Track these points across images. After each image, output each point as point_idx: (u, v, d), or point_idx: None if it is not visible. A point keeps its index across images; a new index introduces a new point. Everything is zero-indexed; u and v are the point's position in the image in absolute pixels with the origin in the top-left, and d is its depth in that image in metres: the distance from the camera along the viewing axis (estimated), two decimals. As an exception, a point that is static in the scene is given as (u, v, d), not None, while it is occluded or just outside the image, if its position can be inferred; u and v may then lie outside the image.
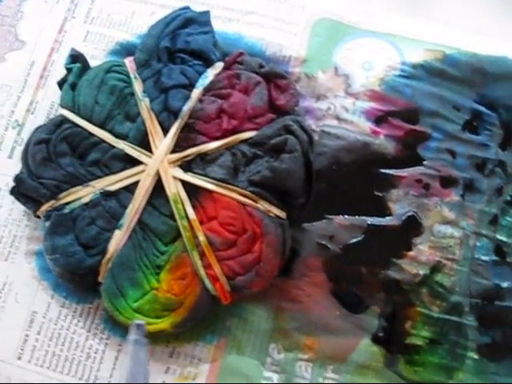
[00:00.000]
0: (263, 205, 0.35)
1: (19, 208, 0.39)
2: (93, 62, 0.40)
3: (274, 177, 0.35)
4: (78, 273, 0.35)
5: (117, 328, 0.37)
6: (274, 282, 0.37)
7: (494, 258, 0.38)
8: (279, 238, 0.35)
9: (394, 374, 0.36)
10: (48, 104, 0.41)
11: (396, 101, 0.40)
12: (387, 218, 0.38)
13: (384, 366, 0.36)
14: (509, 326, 0.37)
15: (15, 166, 0.39)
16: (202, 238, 0.35)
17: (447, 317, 0.37)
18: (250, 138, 0.36)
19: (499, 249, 0.38)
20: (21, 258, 0.38)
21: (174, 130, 0.36)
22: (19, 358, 0.37)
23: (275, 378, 0.36)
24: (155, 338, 0.36)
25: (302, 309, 0.37)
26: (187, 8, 0.39)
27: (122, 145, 0.36)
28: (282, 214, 0.36)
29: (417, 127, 0.39)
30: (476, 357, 0.36)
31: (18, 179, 0.36)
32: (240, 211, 0.35)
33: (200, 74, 0.37)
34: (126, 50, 0.41)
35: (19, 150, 0.39)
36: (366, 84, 0.40)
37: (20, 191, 0.37)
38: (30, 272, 0.38)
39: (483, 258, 0.38)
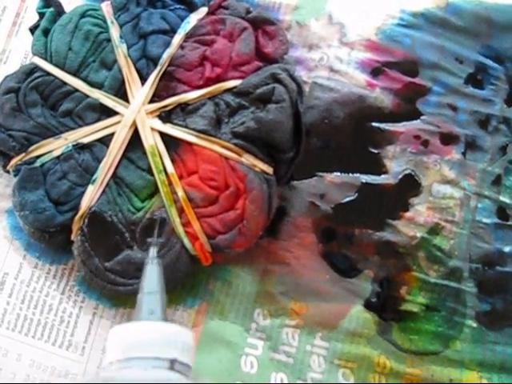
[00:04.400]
0: (248, 159, 0.33)
1: (-11, 163, 0.37)
2: (70, 8, 0.37)
3: (259, 128, 0.33)
4: (48, 231, 0.33)
5: (92, 290, 0.35)
6: (261, 243, 0.35)
7: (496, 220, 0.36)
8: (264, 195, 0.33)
9: (388, 343, 0.34)
10: (21, 53, 0.38)
11: (394, 51, 0.37)
12: (383, 176, 0.36)
13: (377, 334, 0.34)
14: (510, 292, 0.35)
15: (-14, 119, 0.36)
16: (180, 193, 0.32)
17: (445, 282, 0.35)
18: (235, 87, 0.34)
19: (502, 211, 0.36)
20: (-9, 217, 0.36)
21: (152, 78, 0.34)
22: (-11, 322, 0.35)
23: (260, 344, 0.34)
24: (132, 300, 0.34)
25: (290, 272, 0.35)
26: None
27: (96, 94, 0.34)
28: (269, 170, 0.33)
29: (416, 80, 0.37)
30: (474, 325, 0.34)
31: (-16, 131, 0.34)
32: (222, 165, 0.33)
33: (182, 19, 0.35)
34: (105, -5, 0.38)
35: (-10, 101, 0.36)
36: (362, 33, 0.37)
37: (-12, 144, 0.34)
38: (1, 231, 0.36)
39: (485, 220, 0.35)
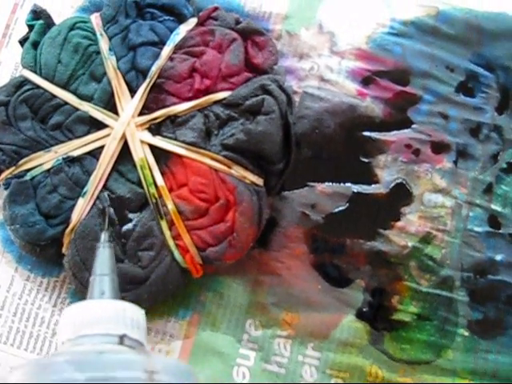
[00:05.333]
0: (237, 170, 0.33)
1: (-19, 176, 0.36)
2: (60, 20, 0.37)
3: (248, 140, 0.32)
4: (39, 244, 0.33)
5: (84, 303, 0.35)
6: (252, 254, 0.35)
7: (488, 229, 0.35)
8: (254, 207, 0.33)
9: (380, 352, 0.34)
10: (12, 65, 0.38)
11: (385, 60, 0.37)
12: (374, 185, 0.36)
13: (369, 344, 0.34)
14: (502, 301, 0.35)
15: (-23, 132, 0.36)
16: (170, 206, 0.32)
17: (437, 291, 0.35)
18: (224, 99, 0.33)
19: (493, 219, 0.36)
20: (-18, 229, 0.36)
21: (141, 90, 0.34)
22: (-18, 335, 0.35)
23: (252, 355, 0.34)
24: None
25: (282, 282, 0.35)
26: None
27: (86, 107, 0.34)
28: (259, 181, 0.33)
29: (407, 89, 0.37)
30: (466, 334, 0.34)
31: (-26, 144, 0.34)
32: (212, 177, 0.33)
33: (171, 30, 0.35)
34: (95, 6, 0.38)
35: (-19, 114, 0.36)
36: (353, 42, 0.37)
37: (-23, 157, 0.34)
38: (-8, 244, 0.36)
39: (476, 228, 0.35)
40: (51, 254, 0.34)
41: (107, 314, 0.26)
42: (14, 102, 0.34)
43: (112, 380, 0.23)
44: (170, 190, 0.33)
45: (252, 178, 0.33)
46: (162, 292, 0.32)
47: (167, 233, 0.32)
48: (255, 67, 0.34)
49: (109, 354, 0.24)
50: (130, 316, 0.26)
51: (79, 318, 0.26)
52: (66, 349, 0.26)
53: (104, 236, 0.30)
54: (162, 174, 0.33)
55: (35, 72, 0.35)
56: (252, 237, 0.33)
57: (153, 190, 0.33)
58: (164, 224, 0.32)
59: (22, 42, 0.36)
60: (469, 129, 0.37)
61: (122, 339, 0.26)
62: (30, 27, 0.36)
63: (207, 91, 0.34)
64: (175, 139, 0.33)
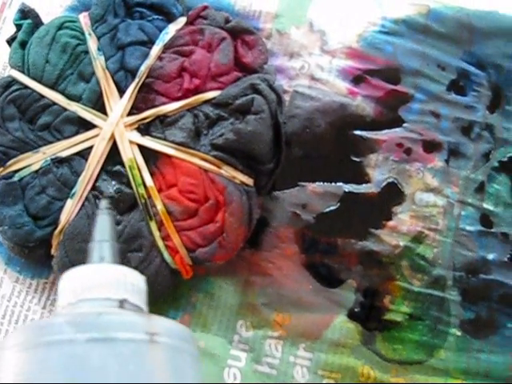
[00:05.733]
0: (227, 171, 0.33)
1: (-31, 177, 0.36)
2: (48, 19, 0.36)
3: (238, 140, 0.32)
4: (27, 246, 0.33)
5: (73, 304, 0.34)
6: (242, 255, 0.34)
7: (480, 228, 0.35)
8: (244, 207, 0.32)
9: (372, 352, 0.34)
10: (0, 65, 0.38)
11: (376, 59, 0.37)
12: (365, 184, 0.36)
13: (360, 344, 0.34)
14: (494, 300, 0.35)
15: (-35, 132, 0.36)
16: (160, 206, 0.32)
17: (429, 291, 0.34)
18: (214, 98, 0.33)
19: (485, 218, 0.35)
20: (-29, 231, 0.36)
21: (130, 90, 0.33)
22: (-29, 337, 0.34)
23: (243, 356, 0.34)
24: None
25: (272, 283, 0.35)
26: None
27: (74, 107, 0.34)
28: (249, 181, 0.33)
29: (398, 87, 0.36)
30: (459, 333, 0.34)
31: (-38, 145, 0.34)
32: (202, 178, 0.32)
33: (160, 29, 0.34)
34: (83, 6, 0.38)
35: (-31, 114, 0.36)
36: (344, 41, 0.37)
37: (-34, 158, 0.34)
38: (-19, 246, 0.36)
39: (468, 228, 0.35)
40: (40, 256, 0.33)
41: (107, 278, 0.26)
42: (1, 102, 0.34)
43: (113, 341, 0.22)
44: (160, 191, 0.33)
45: (242, 178, 0.33)
46: (151, 293, 0.32)
47: (156, 234, 0.32)
48: (245, 66, 0.34)
49: (108, 315, 0.24)
50: (131, 281, 0.26)
51: (79, 283, 0.25)
52: (68, 311, 0.25)
53: (104, 202, 0.29)
54: (151, 174, 0.33)
55: (23, 72, 0.34)
56: (242, 237, 0.33)
57: (142, 190, 0.32)
58: (153, 225, 0.32)
59: (10, 41, 0.36)
60: (460, 127, 0.36)
61: (122, 303, 0.25)
62: (18, 27, 0.35)
63: (196, 91, 0.33)
64: (164, 139, 0.33)
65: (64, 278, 0.26)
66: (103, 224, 0.28)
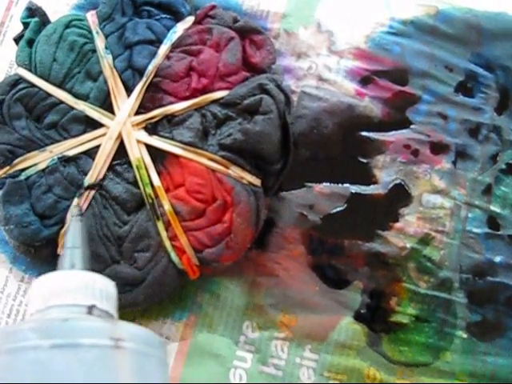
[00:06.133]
0: (235, 171, 0.32)
1: (-25, 175, 0.36)
2: (55, 18, 0.36)
3: (246, 140, 0.32)
4: (33, 245, 0.33)
5: (79, 304, 0.34)
6: (249, 255, 0.34)
7: (487, 230, 0.35)
8: (252, 208, 0.32)
9: (378, 354, 0.34)
10: (6, 63, 0.38)
11: (383, 60, 0.37)
12: (372, 186, 0.35)
13: (366, 346, 0.34)
14: (501, 303, 0.34)
15: (-29, 130, 0.36)
16: (167, 206, 0.32)
17: (435, 293, 0.34)
18: (222, 98, 0.33)
19: (492, 220, 0.35)
20: (-24, 229, 0.36)
21: (138, 89, 0.33)
22: (-24, 336, 0.34)
23: (249, 357, 0.34)
24: (119, 314, 0.34)
25: (279, 284, 0.34)
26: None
27: (82, 106, 0.33)
28: (257, 182, 0.33)
29: (406, 88, 0.36)
30: (465, 336, 0.34)
31: (-32, 143, 0.34)
32: (209, 178, 0.32)
33: (168, 28, 0.34)
34: (91, 4, 0.38)
35: (-25, 112, 0.36)
36: (351, 41, 0.37)
37: (-29, 156, 0.34)
38: (-14, 244, 0.36)
39: (475, 230, 0.35)
40: (46, 255, 0.33)
41: (76, 284, 0.26)
42: (8, 100, 0.33)
43: (77, 347, 0.22)
44: (167, 191, 0.32)
45: (249, 178, 0.33)
46: (158, 293, 0.32)
47: (164, 234, 0.32)
48: (253, 66, 0.34)
49: (74, 321, 0.24)
50: (100, 287, 0.26)
51: (48, 289, 0.26)
52: (34, 318, 0.26)
53: (75, 210, 0.30)
54: (159, 174, 0.33)
55: (30, 70, 0.34)
56: (249, 238, 0.33)
57: (149, 190, 0.32)
58: (160, 225, 0.32)
59: (17, 39, 0.35)
60: (468, 129, 0.36)
61: (90, 310, 0.25)
62: (25, 25, 0.35)
63: (204, 90, 0.33)
64: (172, 139, 0.33)
65: (33, 285, 0.26)
66: (74, 230, 0.29)
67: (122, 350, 0.23)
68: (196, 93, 0.33)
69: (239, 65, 0.34)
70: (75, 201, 0.32)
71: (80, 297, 0.25)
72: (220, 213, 0.32)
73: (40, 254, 0.33)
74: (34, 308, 0.26)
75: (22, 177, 0.33)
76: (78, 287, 0.26)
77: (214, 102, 0.33)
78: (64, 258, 0.28)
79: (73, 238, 0.28)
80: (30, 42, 0.35)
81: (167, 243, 0.32)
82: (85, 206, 0.33)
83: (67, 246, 0.28)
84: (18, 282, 0.35)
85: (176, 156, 0.33)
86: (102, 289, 0.26)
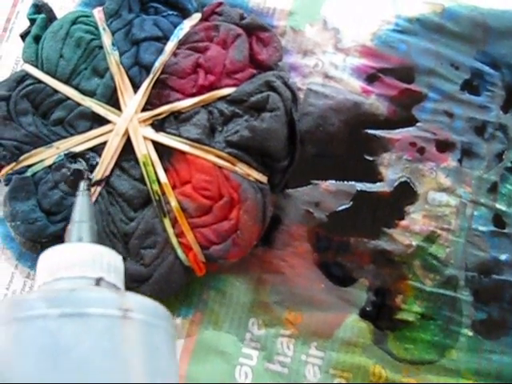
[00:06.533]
0: (242, 168, 0.32)
1: (-20, 172, 0.36)
2: (61, 14, 0.36)
3: (253, 137, 0.32)
4: (40, 241, 0.33)
5: (85, 301, 0.34)
6: (255, 252, 0.34)
7: (493, 228, 0.35)
8: (259, 205, 0.32)
9: (383, 352, 0.34)
10: (13, 60, 0.38)
11: (390, 57, 0.37)
12: (378, 183, 0.35)
13: (372, 343, 0.34)
14: (506, 301, 0.34)
15: (-24, 127, 0.36)
16: (174, 203, 0.32)
17: (441, 291, 0.34)
18: (229, 95, 0.33)
19: (498, 219, 0.35)
20: (-18, 225, 0.36)
21: (145, 86, 0.33)
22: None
23: (255, 354, 0.34)
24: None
25: (285, 281, 0.34)
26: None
27: (88, 102, 0.33)
28: (263, 179, 0.33)
29: (412, 86, 0.36)
30: (470, 334, 0.34)
31: (-25, 140, 0.34)
32: (216, 175, 0.32)
33: (175, 25, 0.34)
34: (97, 1, 0.37)
35: (-19, 108, 0.36)
36: (357, 39, 0.37)
37: (-23, 153, 0.34)
38: (-9, 240, 0.36)
39: (481, 228, 0.35)
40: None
41: (84, 257, 0.26)
42: (15, 96, 0.33)
43: (85, 316, 0.22)
44: (174, 187, 0.32)
45: (256, 175, 0.33)
46: (164, 290, 0.32)
47: (170, 230, 0.32)
48: (260, 63, 0.34)
49: (82, 291, 0.24)
50: (107, 260, 0.26)
51: (56, 262, 0.26)
52: (41, 290, 0.26)
53: (82, 184, 0.30)
54: (165, 170, 0.33)
55: (37, 66, 0.34)
56: (256, 235, 0.33)
57: (156, 186, 0.32)
58: (167, 221, 0.32)
59: (24, 36, 0.35)
60: (474, 127, 0.36)
61: (98, 282, 0.25)
62: (32, 21, 0.35)
63: (211, 87, 0.33)
64: (179, 135, 0.33)
65: (41, 258, 0.26)
66: (82, 205, 0.29)
67: (130, 320, 0.23)
68: (203, 90, 0.33)
69: (246, 62, 0.34)
70: (84, 179, 0.32)
71: (88, 269, 0.25)
72: (227, 210, 0.32)
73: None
74: (42, 280, 0.26)
75: (29, 173, 0.33)
76: (85, 260, 0.26)
77: (221, 98, 0.33)
78: (71, 232, 0.28)
79: (80, 212, 0.28)
80: (37, 39, 0.35)
81: (174, 240, 0.32)
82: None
83: (75, 220, 0.28)
84: (24, 279, 0.35)
85: (183, 153, 0.33)
86: (110, 262, 0.26)
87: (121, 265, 0.27)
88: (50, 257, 0.26)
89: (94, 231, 0.28)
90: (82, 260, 0.26)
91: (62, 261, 0.26)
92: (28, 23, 0.36)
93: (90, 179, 0.32)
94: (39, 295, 0.23)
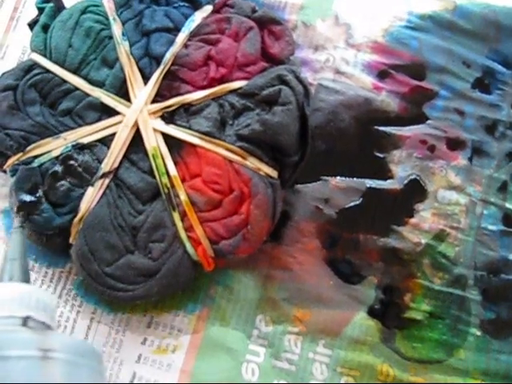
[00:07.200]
0: (252, 162, 0.32)
1: (-15, 162, 0.35)
2: (70, 3, 0.36)
3: (265, 131, 0.32)
4: (46, 233, 0.32)
5: (90, 294, 0.34)
6: (263, 248, 0.34)
7: (502, 227, 0.35)
8: (269, 200, 0.32)
9: (391, 350, 0.33)
10: (19, 49, 0.37)
11: (401, 54, 0.36)
12: (388, 181, 0.35)
13: (380, 342, 0.34)
14: (515, 300, 0.34)
15: (-19, 116, 0.35)
16: (183, 196, 0.31)
17: (450, 290, 0.34)
18: (240, 88, 0.33)
19: (507, 218, 0.35)
20: (-14, 217, 0.35)
21: (155, 77, 0.33)
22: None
23: (262, 351, 0.33)
24: (131, 306, 0.33)
25: (293, 278, 0.34)
26: None
27: (97, 93, 0.33)
28: (274, 173, 0.33)
29: (423, 84, 0.36)
30: (479, 333, 0.34)
31: (-20, 129, 0.33)
32: (226, 168, 0.32)
33: (186, 17, 0.34)
34: (106, -9, 0.37)
35: (-13, 98, 0.35)
36: (369, 35, 0.37)
37: (-16, 143, 0.33)
38: (-4, 232, 0.35)
39: (490, 227, 0.35)
40: (58, 244, 0.33)
41: (11, 296, 0.26)
42: (22, 86, 0.33)
43: (5, 359, 0.23)
44: (183, 181, 0.32)
45: (267, 170, 0.32)
46: (172, 285, 0.32)
47: (179, 224, 0.31)
48: (271, 57, 0.33)
49: (4, 334, 0.24)
50: (36, 298, 0.27)
51: None
52: None
53: (16, 221, 0.30)
54: (175, 163, 0.32)
55: (45, 56, 0.34)
56: (266, 230, 0.32)
57: (165, 179, 0.32)
58: (176, 215, 0.32)
59: (32, 25, 0.35)
60: (484, 126, 0.36)
61: (25, 321, 0.26)
62: (40, 10, 0.35)
63: (222, 80, 0.33)
64: (189, 128, 0.32)
65: None
66: (14, 242, 0.29)
67: (51, 360, 0.24)
68: (214, 82, 0.33)
69: (258, 55, 0.33)
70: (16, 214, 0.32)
71: (15, 308, 0.26)
72: (237, 204, 0.31)
73: (52, 243, 0.33)
74: None
75: (35, 164, 0.32)
76: (12, 299, 0.26)
77: (232, 91, 0.33)
78: (4, 270, 0.28)
79: (13, 249, 0.29)
80: (45, 28, 0.34)
81: (183, 234, 0.31)
82: (99, 196, 0.32)
83: (8, 257, 0.29)
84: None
85: (193, 146, 0.32)
86: (39, 299, 0.27)
87: (51, 301, 0.28)
88: None
89: (26, 269, 0.29)
90: (9, 299, 0.26)
91: None
92: (36, 12, 0.35)
93: (23, 215, 0.31)
94: None
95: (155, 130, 0.32)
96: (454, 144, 0.36)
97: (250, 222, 0.31)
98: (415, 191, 0.35)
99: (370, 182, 0.35)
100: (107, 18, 0.34)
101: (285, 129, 0.32)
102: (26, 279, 0.28)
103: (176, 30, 0.34)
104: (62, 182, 0.32)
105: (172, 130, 0.32)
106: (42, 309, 0.27)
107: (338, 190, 0.35)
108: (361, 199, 0.35)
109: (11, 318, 0.26)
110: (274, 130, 0.32)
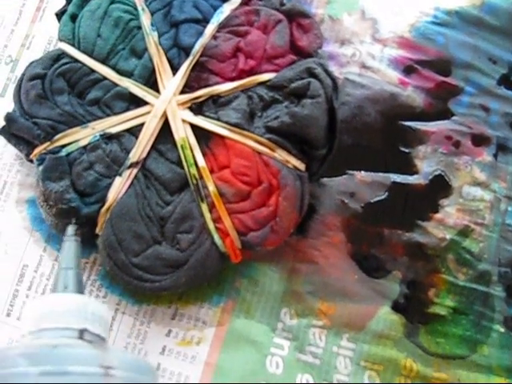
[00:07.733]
0: (281, 154, 0.32)
1: (10, 151, 0.35)
2: (96, -6, 0.36)
3: (294, 123, 0.31)
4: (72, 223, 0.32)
5: (115, 285, 0.34)
6: (289, 241, 0.34)
7: (527, 224, 0.35)
8: (298, 192, 0.32)
9: (414, 345, 0.33)
10: (45, 39, 0.37)
11: (427, 50, 0.36)
12: (413, 176, 0.35)
13: (404, 336, 0.34)
14: (540, 297, 0.34)
15: (8, 106, 0.35)
16: (211, 187, 0.31)
17: (474, 286, 0.34)
18: (269, 81, 0.33)
19: (532, 215, 0.35)
20: (11, 206, 0.35)
21: (184, 68, 0.33)
22: (8, 315, 0.33)
23: (286, 345, 0.33)
24: (156, 297, 0.33)
25: (318, 271, 0.34)
26: None
27: (126, 83, 0.33)
28: (301, 166, 0.32)
29: (448, 79, 0.36)
30: (502, 330, 0.34)
31: (8, 118, 0.33)
32: (255, 160, 0.32)
33: (215, 8, 0.34)
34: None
35: (12, 87, 0.35)
36: (396, 30, 0.37)
37: (11, 131, 0.33)
38: (21, 222, 0.35)
39: (514, 224, 0.35)
40: (84, 234, 0.32)
41: (68, 307, 0.26)
42: (50, 75, 0.33)
43: (66, 374, 0.23)
44: (211, 172, 0.32)
45: (295, 162, 0.32)
46: (200, 276, 0.31)
47: (207, 215, 0.31)
48: (300, 50, 0.33)
49: (63, 348, 0.24)
50: (92, 310, 0.26)
51: (40, 312, 0.26)
52: (25, 342, 0.26)
53: (70, 229, 0.30)
54: (204, 154, 0.32)
55: (73, 45, 0.33)
56: (294, 222, 0.32)
57: (193, 170, 0.32)
58: (204, 206, 0.31)
59: (59, 14, 0.35)
60: (509, 122, 0.36)
61: (82, 333, 0.26)
62: (68, 0, 0.35)
63: (251, 72, 0.33)
64: (218, 119, 0.32)
65: (28, 306, 0.27)
66: (69, 251, 0.29)
67: (111, 377, 0.24)
68: (243, 74, 0.33)
69: (286, 48, 0.33)
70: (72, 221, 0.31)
71: (72, 320, 0.26)
72: (265, 196, 0.31)
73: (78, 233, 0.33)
74: (27, 329, 0.26)
75: (63, 153, 0.32)
76: (69, 310, 0.26)
77: (261, 84, 0.33)
78: (57, 280, 0.28)
79: (66, 258, 0.29)
80: (73, 17, 0.34)
81: (211, 225, 0.31)
82: (126, 186, 0.32)
83: (61, 266, 0.29)
84: (53, 262, 0.34)
85: (221, 137, 0.32)
86: (95, 312, 0.27)
87: (106, 313, 0.28)
88: (35, 306, 0.27)
89: (80, 279, 0.29)
90: (66, 311, 0.26)
91: (46, 311, 0.26)
92: (63, 2, 0.35)
93: (77, 224, 0.31)
94: (21, 351, 0.23)
95: (184, 121, 0.32)
96: (479, 140, 0.36)
97: (278, 214, 0.31)
98: (440, 187, 0.35)
99: (395, 177, 0.35)
100: (136, 9, 0.34)
101: (314, 121, 0.32)
102: (80, 290, 0.28)
103: (205, 22, 0.33)
104: (90, 172, 0.32)
105: (201, 121, 0.32)
106: (97, 321, 0.26)
107: (364, 184, 0.35)
108: (386, 194, 0.35)
109: (67, 330, 0.26)
110: (303, 122, 0.31)
